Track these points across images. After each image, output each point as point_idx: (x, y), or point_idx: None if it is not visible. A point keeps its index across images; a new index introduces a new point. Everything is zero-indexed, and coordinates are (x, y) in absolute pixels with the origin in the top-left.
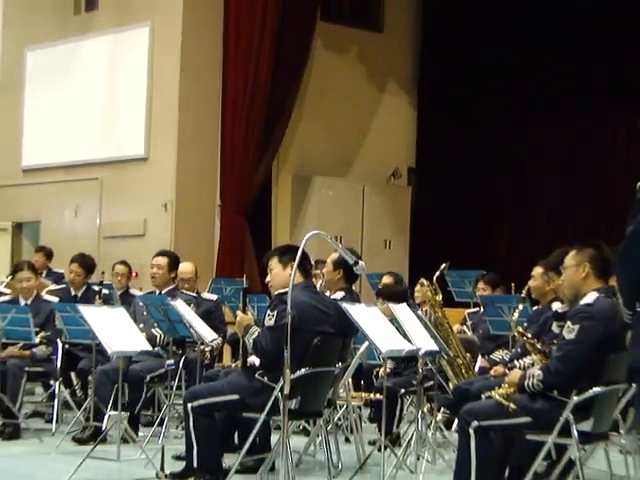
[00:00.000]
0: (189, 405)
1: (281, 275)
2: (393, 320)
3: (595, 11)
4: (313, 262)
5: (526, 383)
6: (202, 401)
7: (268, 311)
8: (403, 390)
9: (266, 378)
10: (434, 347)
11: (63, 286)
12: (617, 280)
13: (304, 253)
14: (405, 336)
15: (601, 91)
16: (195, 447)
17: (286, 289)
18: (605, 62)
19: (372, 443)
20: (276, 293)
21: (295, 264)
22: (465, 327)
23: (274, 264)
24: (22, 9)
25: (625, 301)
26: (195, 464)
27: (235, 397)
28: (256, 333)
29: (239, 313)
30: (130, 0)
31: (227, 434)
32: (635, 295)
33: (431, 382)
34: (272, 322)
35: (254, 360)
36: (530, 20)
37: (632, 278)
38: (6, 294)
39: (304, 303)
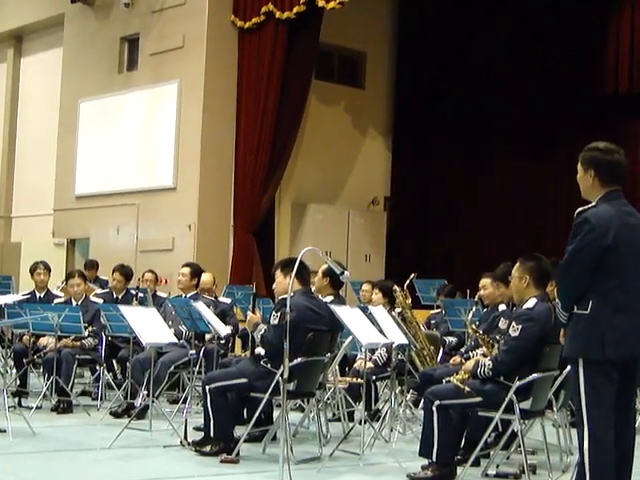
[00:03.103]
0: (207, 387)
1: (283, 283)
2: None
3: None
4: None
5: (479, 371)
6: (217, 384)
7: (273, 312)
8: (374, 377)
9: (269, 365)
10: (405, 341)
11: (107, 290)
12: (557, 288)
13: (303, 265)
14: (381, 332)
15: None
16: (212, 420)
17: (286, 294)
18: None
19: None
20: (279, 298)
21: (292, 274)
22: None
23: (278, 274)
24: (76, 69)
25: (564, 305)
26: (212, 434)
27: (244, 380)
28: (263, 329)
29: (249, 313)
30: (162, 62)
31: (238, 410)
32: (573, 301)
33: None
34: (276, 321)
35: (260, 350)
36: (489, 73)
37: (570, 288)
38: (61, 297)
39: (302, 306)
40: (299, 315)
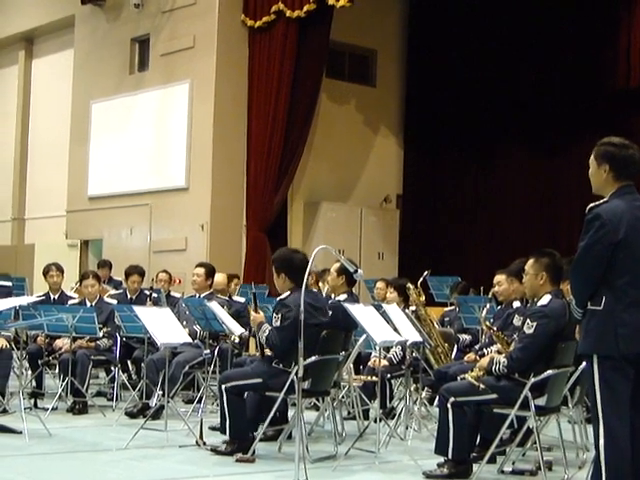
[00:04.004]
0: (223, 386)
1: (277, 282)
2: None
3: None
4: (320, 271)
5: (493, 368)
6: (233, 383)
7: (273, 314)
8: (389, 375)
9: (281, 365)
10: (419, 338)
11: (121, 291)
12: (571, 285)
13: (296, 262)
14: (395, 329)
15: (558, 124)
16: (227, 420)
17: (285, 294)
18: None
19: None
20: (278, 299)
21: (304, 276)
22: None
23: (273, 271)
24: (88, 71)
25: (578, 302)
26: (228, 433)
27: (259, 380)
28: (267, 331)
29: (252, 313)
30: (173, 63)
31: (259, 409)
32: (586, 297)
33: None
34: (278, 323)
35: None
36: (500, 69)
37: (583, 284)
38: (75, 298)
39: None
40: (299, 312)
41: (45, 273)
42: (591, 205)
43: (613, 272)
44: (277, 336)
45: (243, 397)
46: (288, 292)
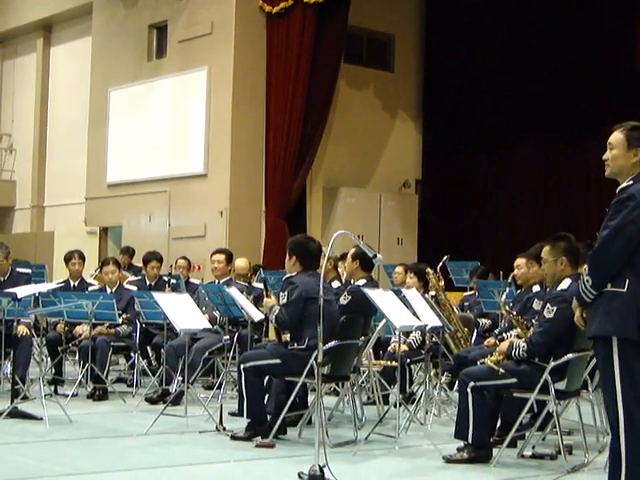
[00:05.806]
0: (242, 366)
1: (287, 264)
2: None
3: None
4: (339, 256)
5: (513, 352)
6: (252, 363)
7: (281, 292)
8: (409, 360)
9: (296, 344)
10: (438, 323)
11: (140, 277)
12: (591, 265)
13: (308, 249)
14: (415, 314)
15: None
16: (245, 400)
17: (291, 274)
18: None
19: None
20: (284, 278)
21: (323, 264)
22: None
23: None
24: (106, 58)
25: (595, 283)
26: (245, 414)
27: (278, 361)
28: (277, 311)
29: (265, 298)
30: (191, 49)
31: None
32: (608, 278)
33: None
34: (285, 300)
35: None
36: (519, 53)
37: (610, 264)
38: (94, 285)
39: (308, 281)
40: (305, 288)
41: (67, 260)
42: (622, 186)
43: (637, 254)
44: (285, 312)
45: (262, 379)
46: (294, 273)
